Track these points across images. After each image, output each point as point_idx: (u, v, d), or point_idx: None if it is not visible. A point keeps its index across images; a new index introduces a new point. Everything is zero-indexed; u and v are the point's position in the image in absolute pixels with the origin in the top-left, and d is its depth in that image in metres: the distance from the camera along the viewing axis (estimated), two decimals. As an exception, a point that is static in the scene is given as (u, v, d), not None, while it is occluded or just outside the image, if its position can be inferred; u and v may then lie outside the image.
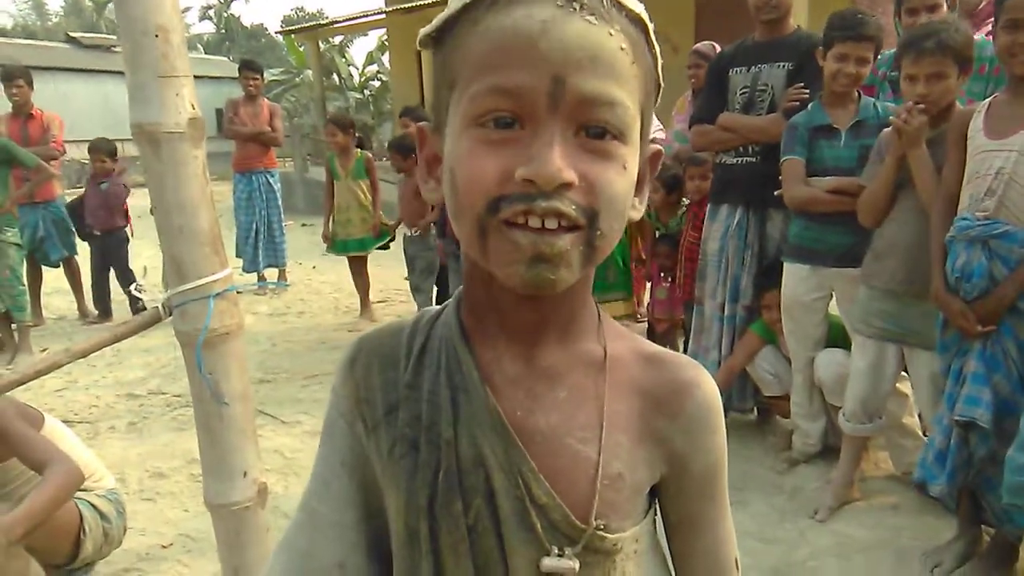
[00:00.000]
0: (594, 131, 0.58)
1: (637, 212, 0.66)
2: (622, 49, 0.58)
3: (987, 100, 2.20)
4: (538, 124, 0.57)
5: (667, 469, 0.70)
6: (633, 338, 0.74)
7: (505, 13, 0.57)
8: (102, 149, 5.58)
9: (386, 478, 0.70)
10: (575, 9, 0.56)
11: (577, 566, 0.65)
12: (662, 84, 0.65)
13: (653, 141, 2.84)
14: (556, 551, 0.65)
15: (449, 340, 0.70)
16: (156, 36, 1.28)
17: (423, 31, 0.63)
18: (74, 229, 5.81)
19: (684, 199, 4.01)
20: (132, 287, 5.90)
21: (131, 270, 5.96)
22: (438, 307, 0.75)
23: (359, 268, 5.62)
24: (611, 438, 0.67)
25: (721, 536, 0.76)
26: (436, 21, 0.62)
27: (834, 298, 2.92)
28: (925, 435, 2.83)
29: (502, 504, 0.65)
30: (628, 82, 0.59)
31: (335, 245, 5.58)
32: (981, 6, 3.25)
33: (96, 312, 5.94)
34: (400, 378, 0.71)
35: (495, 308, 0.67)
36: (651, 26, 0.62)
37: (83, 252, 6.10)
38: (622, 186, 0.60)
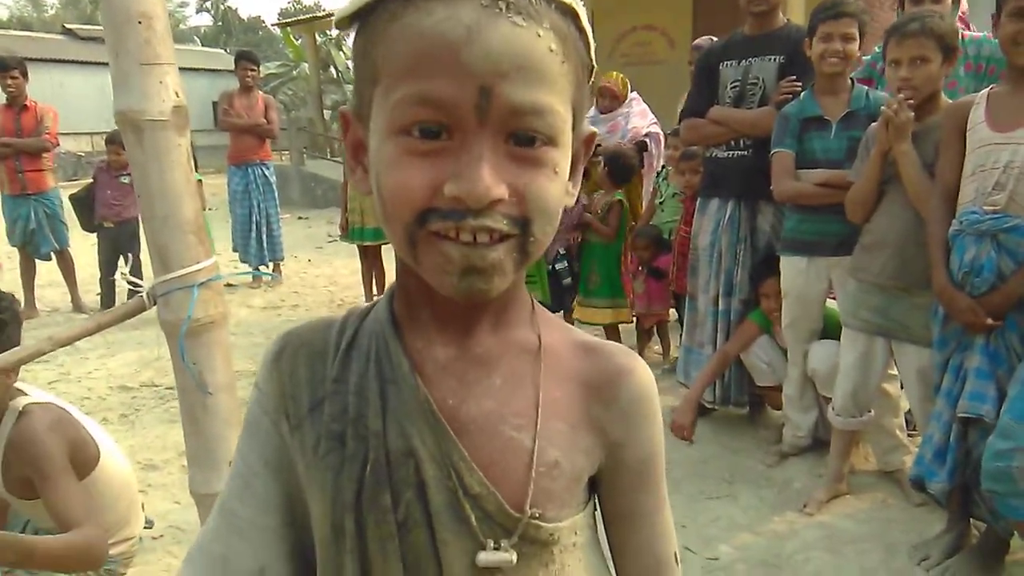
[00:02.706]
0: (524, 138, 0.56)
1: (571, 197, 0.64)
2: (551, 51, 0.55)
3: (984, 91, 2.18)
4: (466, 135, 0.54)
5: (604, 458, 0.69)
6: (567, 328, 0.73)
7: (426, 12, 0.53)
8: (119, 140, 5.52)
9: (310, 477, 0.66)
10: (501, 9, 0.53)
11: (514, 558, 0.63)
12: (595, 66, 0.63)
13: (648, 136, 2.84)
14: (492, 544, 0.62)
15: (379, 332, 0.67)
16: (139, 23, 1.27)
17: (338, 12, 0.60)
18: (78, 220, 5.77)
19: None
20: (120, 274, 5.87)
21: (130, 259, 5.93)
22: (369, 303, 0.72)
23: (374, 259, 5.64)
24: (547, 425, 0.65)
25: (658, 529, 0.74)
26: (348, 5, 0.58)
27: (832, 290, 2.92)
28: (914, 430, 2.83)
29: (433, 497, 0.62)
30: (557, 83, 0.56)
31: (350, 233, 5.60)
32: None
33: (99, 305, 5.88)
34: (327, 373, 0.68)
35: (427, 299, 0.65)
36: (581, 11, 0.59)
37: (77, 244, 6.08)
38: (554, 191, 0.58)
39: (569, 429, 0.66)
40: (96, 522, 1.91)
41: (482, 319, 0.66)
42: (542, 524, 0.64)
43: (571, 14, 0.57)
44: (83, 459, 2.01)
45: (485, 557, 0.62)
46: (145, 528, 2.33)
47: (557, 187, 0.59)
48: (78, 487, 1.93)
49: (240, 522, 0.70)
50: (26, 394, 1.97)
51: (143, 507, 2.35)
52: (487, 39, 0.52)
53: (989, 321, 2.08)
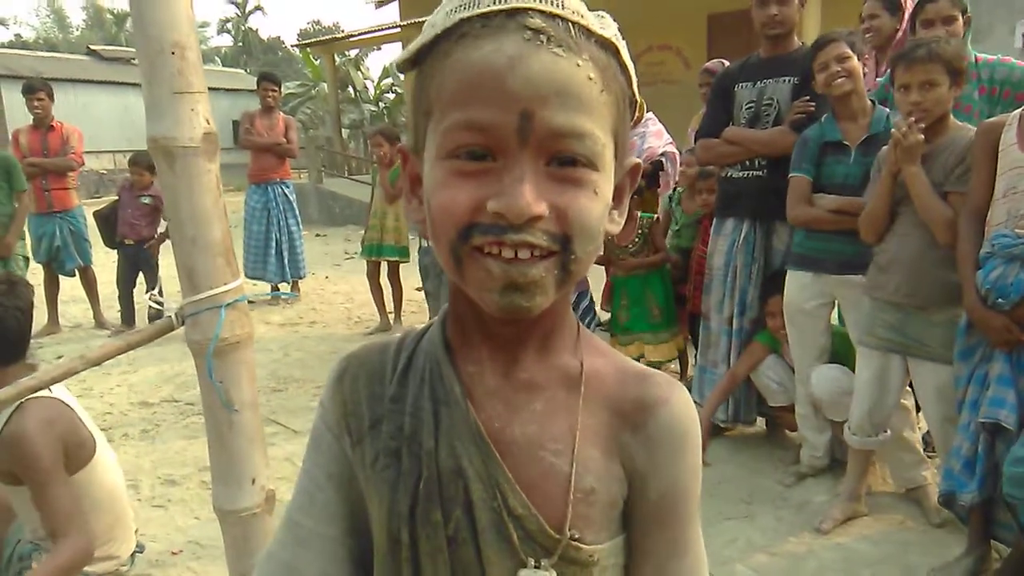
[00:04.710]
0: (564, 160, 0.59)
1: (616, 225, 0.67)
2: (590, 79, 0.58)
3: (1016, 112, 2.20)
4: (509, 157, 0.58)
5: (628, 486, 0.69)
6: (614, 355, 0.74)
7: (474, 47, 0.58)
8: (141, 163, 5.59)
9: (369, 489, 0.71)
10: (542, 42, 0.57)
11: None
12: (638, 99, 0.66)
13: (663, 155, 2.87)
14: (532, 563, 0.65)
15: (433, 355, 0.71)
16: (172, 53, 1.32)
17: (399, 57, 0.65)
18: (101, 237, 5.87)
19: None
20: (148, 295, 5.94)
21: (160, 279, 6.01)
22: (425, 324, 0.76)
23: (391, 277, 5.72)
24: (584, 452, 0.67)
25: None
26: (409, 49, 0.63)
27: (839, 308, 2.92)
28: (930, 450, 2.81)
29: (480, 515, 0.66)
30: (597, 110, 0.59)
31: (364, 249, 5.72)
32: (898, 37, 3.30)
33: (120, 321, 5.96)
34: (386, 392, 0.72)
35: (478, 323, 0.68)
36: (622, 47, 0.62)
37: (99, 261, 6.18)
38: (594, 211, 0.60)
39: (603, 457, 0.68)
40: (82, 523, 1.94)
41: (529, 344, 0.69)
42: (582, 546, 0.66)
43: (612, 49, 0.61)
44: (75, 456, 2.04)
45: (525, 574, 0.65)
46: (137, 552, 2.33)
47: (598, 206, 0.61)
48: (67, 488, 1.96)
49: (304, 532, 0.74)
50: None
51: (136, 531, 2.34)
52: (528, 67, 0.56)
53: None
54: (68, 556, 1.88)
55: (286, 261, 6.64)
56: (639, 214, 3.92)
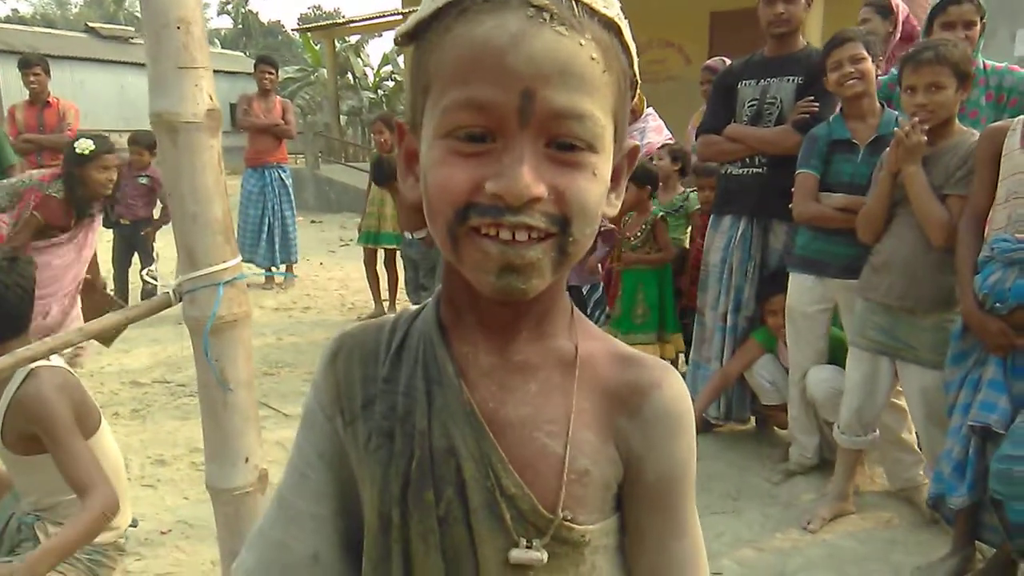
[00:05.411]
0: (563, 144, 0.58)
1: (612, 208, 0.66)
2: (593, 59, 0.58)
3: (1021, 118, 2.21)
4: (508, 138, 0.57)
5: (624, 470, 0.69)
6: (608, 339, 0.74)
7: (476, 23, 0.57)
8: (141, 142, 5.55)
9: (362, 469, 0.70)
10: (545, 20, 0.56)
11: (545, 557, 0.65)
12: (639, 80, 0.65)
13: (663, 147, 2.87)
14: (524, 543, 0.65)
15: (427, 335, 0.70)
16: (178, 28, 1.31)
17: (398, 30, 0.64)
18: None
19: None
20: (144, 272, 5.92)
21: (155, 258, 5.99)
22: (419, 305, 0.75)
23: (388, 264, 5.72)
24: (578, 434, 0.67)
25: (674, 560, 0.71)
26: (409, 22, 0.62)
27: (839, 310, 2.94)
28: (920, 450, 2.84)
29: (472, 495, 0.65)
30: (598, 91, 0.59)
31: (362, 236, 5.71)
32: (894, 41, 3.31)
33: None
34: (379, 373, 0.71)
35: (472, 303, 0.67)
36: (625, 26, 0.61)
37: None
38: (593, 193, 0.60)
39: (597, 439, 0.68)
40: (105, 476, 1.95)
41: (523, 326, 0.68)
42: (574, 526, 0.66)
43: (614, 28, 0.60)
44: (84, 423, 2.05)
45: (517, 554, 0.65)
46: (131, 527, 2.34)
47: (597, 188, 0.60)
48: (85, 445, 1.97)
49: (296, 511, 0.74)
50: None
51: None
52: (531, 45, 0.55)
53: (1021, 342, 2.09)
54: (99, 507, 1.88)
55: (277, 246, 6.62)
56: (653, 206, 3.86)
